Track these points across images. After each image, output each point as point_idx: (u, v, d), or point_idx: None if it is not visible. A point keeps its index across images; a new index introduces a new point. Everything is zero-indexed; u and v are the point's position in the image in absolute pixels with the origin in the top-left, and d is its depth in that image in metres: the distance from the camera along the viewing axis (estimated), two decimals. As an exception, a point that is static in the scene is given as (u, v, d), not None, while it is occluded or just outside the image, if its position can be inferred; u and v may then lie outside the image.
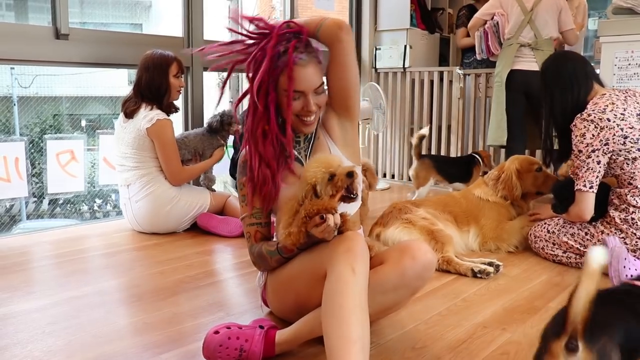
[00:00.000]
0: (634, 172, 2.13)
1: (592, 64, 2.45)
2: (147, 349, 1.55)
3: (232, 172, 3.35)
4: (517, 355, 1.53)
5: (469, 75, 4.27)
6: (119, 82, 8.31)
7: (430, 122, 4.41)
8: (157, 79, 2.78)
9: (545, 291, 2.06)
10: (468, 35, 3.99)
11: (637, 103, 2.20)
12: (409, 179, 4.56)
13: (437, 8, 5.17)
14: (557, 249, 2.38)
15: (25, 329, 1.68)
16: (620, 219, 2.17)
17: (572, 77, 2.28)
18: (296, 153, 1.66)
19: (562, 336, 0.90)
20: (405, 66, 4.53)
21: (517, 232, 2.59)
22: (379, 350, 1.54)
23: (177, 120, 3.10)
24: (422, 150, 3.56)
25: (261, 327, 1.48)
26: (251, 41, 1.59)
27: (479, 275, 2.17)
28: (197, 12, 3.41)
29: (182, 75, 2.92)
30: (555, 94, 2.32)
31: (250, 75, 1.56)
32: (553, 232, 2.39)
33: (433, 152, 4.44)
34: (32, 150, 4.75)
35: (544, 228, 2.44)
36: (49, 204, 7.13)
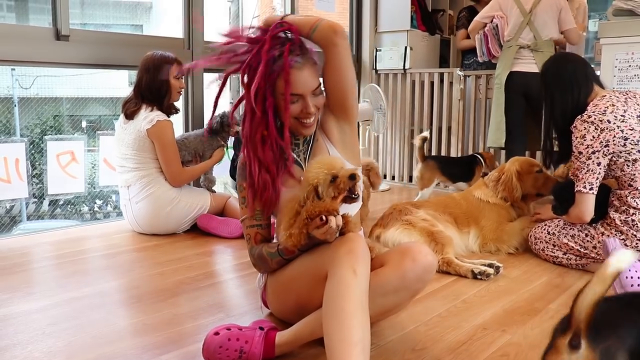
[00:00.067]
0: (634, 174, 2.13)
1: (593, 66, 2.46)
2: (147, 350, 1.55)
3: (232, 173, 3.35)
4: (517, 356, 1.53)
5: (469, 76, 4.27)
6: (120, 83, 8.31)
7: (431, 124, 4.42)
8: (157, 80, 2.79)
9: (545, 293, 2.05)
10: (468, 36, 3.99)
11: (638, 105, 2.20)
12: (410, 180, 4.58)
13: (437, 9, 5.17)
14: (557, 250, 2.38)
15: (25, 329, 1.68)
16: (620, 220, 2.16)
17: (572, 79, 2.29)
18: (295, 156, 1.66)
19: (568, 333, 0.91)
20: (406, 67, 4.53)
21: (518, 234, 2.59)
22: (379, 351, 1.54)
23: (177, 121, 3.10)
24: (425, 151, 3.59)
25: (261, 328, 1.48)
26: (243, 49, 1.57)
27: (479, 276, 2.17)
28: (197, 12, 3.41)
29: (183, 77, 2.92)
30: (555, 95, 2.32)
31: (246, 81, 1.55)
32: (553, 233, 2.39)
33: (433, 153, 4.45)
34: (33, 151, 4.75)
35: (544, 229, 2.44)
36: (49, 205, 7.13)
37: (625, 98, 2.21)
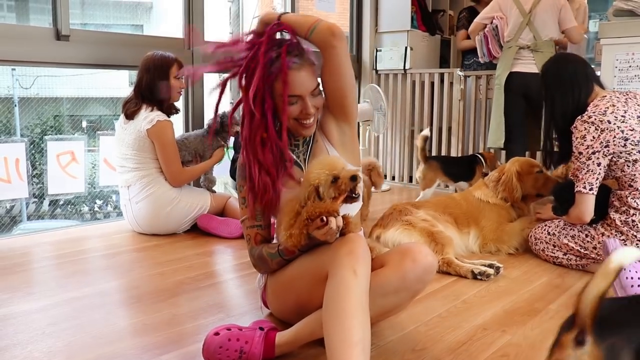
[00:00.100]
0: (634, 175, 2.13)
1: (593, 66, 2.45)
2: (147, 350, 1.55)
3: (233, 174, 3.35)
4: (517, 357, 1.53)
5: (469, 77, 4.27)
6: (120, 84, 8.32)
7: (431, 124, 4.41)
8: (157, 81, 2.79)
9: (545, 293, 2.05)
10: (468, 37, 3.99)
11: (638, 105, 2.20)
12: (410, 181, 4.58)
13: (437, 10, 5.17)
14: (557, 251, 2.37)
15: (25, 329, 1.68)
16: (620, 221, 2.16)
17: (573, 79, 2.28)
18: (295, 157, 1.65)
19: (573, 329, 0.91)
20: (406, 68, 4.53)
21: (518, 234, 2.59)
22: (379, 351, 1.54)
23: (177, 121, 3.10)
24: (427, 152, 3.61)
25: (261, 328, 1.48)
26: (241, 54, 1.56)
27: (479, 277, 2.17)
28: (197, 13, 3.41)
29: (183, 77, 2.92)
30: (555, 96, 2.32)
31: (244, 84, 1.54)
32: (553, 234, 2.39)
33: (434, 154, 4.45)
34: (33, 151, 4.76)
35: (545, 230, 2.44)
36: (49, 204, 7.13)
37: (626, 98, 2.21)
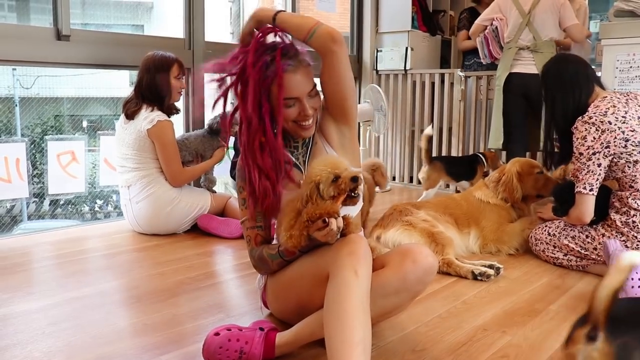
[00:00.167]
0: (635, 175, 2.13)
1: (593, 67, 2.46)
2: (147, 350, 1.55)
3: (233, 174, 3.35)
4: (517, 357, 1.53)
5: (470, 77, 4.27)
6: (120, 83, 8.32)
7: (432, 125, 4.41)
8: (158, 80, 2.79)
9: (545, 294, 2.05)
10: (469, 37, 3.99)
11: (639, 106, 2.19)
12: (411, 181, 4.58)
13: (438, 10, 5.17)
14: (557, 251, 2.37)
15: (25, 329, 1.68)
16: (621, 221, 2.16)
17: (573, 80, 2.28)
18: (294, 159, 1.65)
19: (586, 325, 0.91)
20: (407, 68, 4.53)
21: (518, 235, 2.59)
22: (379, 352, 1.54)
23: (177, 121, 3.10)
24: (431, 152, 3.64)
25: (261, 329, 1.48)
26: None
27: (479, 277, 2.16)
28: (198, 13, 3.41)
29: (183, 77, 2.92)
30: (556, 96, 2.32)
31: (240, 90, 1.54)
32: (554, 234, 2.38)
33: (434, 154, 4.44)
34: (33, 151, 4.76)
35: (545, 231, 2.44)
36: (49, 204, 7.13)
37: (626, 99, 2.21)
